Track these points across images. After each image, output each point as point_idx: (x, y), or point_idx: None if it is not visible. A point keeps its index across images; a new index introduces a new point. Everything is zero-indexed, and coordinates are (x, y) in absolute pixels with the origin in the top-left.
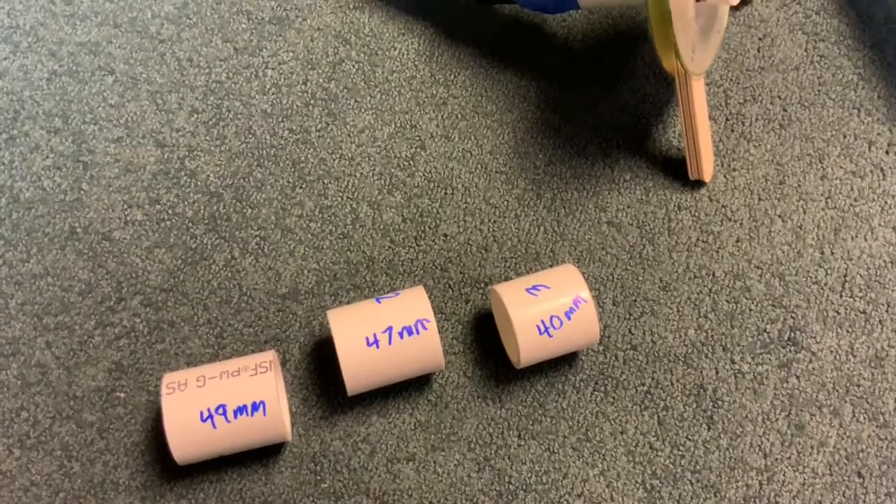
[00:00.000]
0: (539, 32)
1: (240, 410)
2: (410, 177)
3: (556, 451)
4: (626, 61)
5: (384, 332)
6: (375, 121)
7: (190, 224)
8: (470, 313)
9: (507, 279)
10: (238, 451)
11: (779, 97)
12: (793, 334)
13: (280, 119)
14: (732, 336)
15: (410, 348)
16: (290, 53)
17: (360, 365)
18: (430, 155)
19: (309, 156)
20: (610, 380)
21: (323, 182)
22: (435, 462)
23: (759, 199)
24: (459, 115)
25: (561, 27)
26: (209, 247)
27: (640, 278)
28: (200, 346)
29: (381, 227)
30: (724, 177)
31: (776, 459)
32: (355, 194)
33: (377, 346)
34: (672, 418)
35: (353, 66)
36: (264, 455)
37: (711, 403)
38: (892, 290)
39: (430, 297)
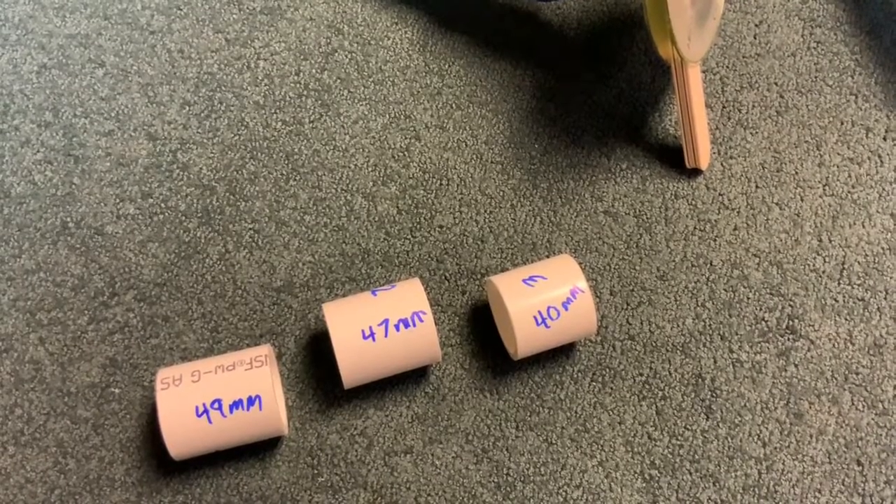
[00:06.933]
0: (534, 21)
1: (235, 405)
2: (405, 168)
3: (554, 442)
4: (621, 49)
5: (380, 324)
6: (369, 111)
7: (183, 217)
8: (466, 305)
9: (503, 270)
10: (234, 446)
11: (775, 84)
12: (791, 322)
13: (273, 110)
14: (730, 325)
15: (407, 341)
16: (283, 44)
17: (356, 358)
18: (424, 145)
19: (302, 147)
20: (608, 370)
21: (317, 174)
22: (433, 455)
23: (757, 187)
24: (454, 105)
25: (556, 15)
26: (203, 240)
27: (638, 268)
28: (195, 340)
29: (377, 218)
30: (721, 165)
31: (775, 448)
32: (350, 186)
33: (373, 339)
34: (670, 408)
35: (347, 57)
36: (261, 450)
37: (710, 393)
38: (891, 278)
39: (426, 289)
